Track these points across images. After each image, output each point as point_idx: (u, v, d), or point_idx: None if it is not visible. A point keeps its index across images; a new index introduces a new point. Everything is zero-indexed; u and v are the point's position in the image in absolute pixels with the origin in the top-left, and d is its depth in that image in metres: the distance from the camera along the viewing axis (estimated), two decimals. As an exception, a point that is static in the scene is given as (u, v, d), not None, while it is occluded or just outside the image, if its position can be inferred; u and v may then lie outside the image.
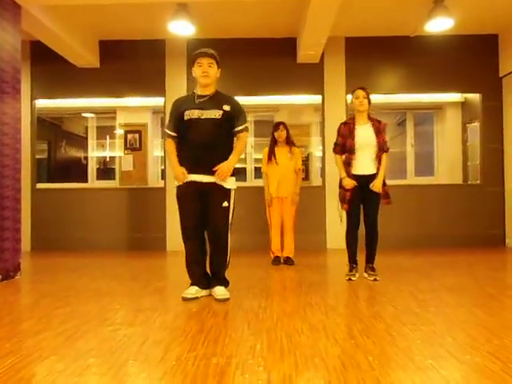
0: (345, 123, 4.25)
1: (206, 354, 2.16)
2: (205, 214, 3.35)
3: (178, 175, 3.31)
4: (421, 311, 2.97)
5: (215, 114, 3.29)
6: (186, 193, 3.35)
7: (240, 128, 3.39)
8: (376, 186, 4.07)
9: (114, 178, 7.45)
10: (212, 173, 3.27)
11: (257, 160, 7.03)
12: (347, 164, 4.15)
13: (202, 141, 3.24)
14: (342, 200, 4.11)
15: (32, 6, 4.93)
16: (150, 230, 6.75)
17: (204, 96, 3.35)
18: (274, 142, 5.25)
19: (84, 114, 7.85)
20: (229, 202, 3.34)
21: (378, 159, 4.11)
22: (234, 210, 3.41)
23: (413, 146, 7.47)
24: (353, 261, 4.19)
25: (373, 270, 4.15)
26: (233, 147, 3.40)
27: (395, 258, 5.78)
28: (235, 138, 3.43)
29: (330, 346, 2.26)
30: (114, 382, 1.88)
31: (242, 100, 7.24)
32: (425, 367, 1.96)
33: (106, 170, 8.11)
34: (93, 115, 7.71)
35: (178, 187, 3.39)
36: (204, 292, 3.43)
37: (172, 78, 6.80)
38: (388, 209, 6.87)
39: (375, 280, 4.03)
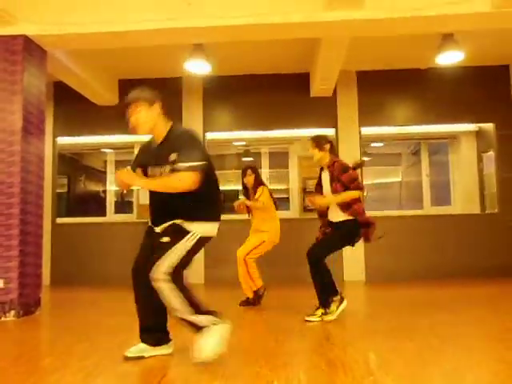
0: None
1: (223, 391, 2.16)
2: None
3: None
4: (440, 346, 2.92)
5: (165, 170, 2.67)
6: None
7: (180, 165, 2.56)
8: (310, 199, 3.86)
9: (131, 212, 7.58)
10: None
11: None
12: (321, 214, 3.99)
13: (158, 200, 2.76)
14: None
15: (56, 50, 5.18)
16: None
17: (158, 144, 2.79)
18: (245, 190, 4.78)
19: (103, 150, 8.08)
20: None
21: (345, 206, 3.73)
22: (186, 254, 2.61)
23: (428, 176, 7.47)
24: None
25: (317, 308, 3.79)
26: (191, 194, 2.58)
27: (412, 291, 5.70)
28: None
29: (349, 382, 2.24)
30: (134, 419, 1.90)
31: (257, 134, 7.54)
32: (445, 405, 1.94)
33: (123, 204, 8.25)
34: (111, 151, 7.92)
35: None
36: None
37: (189, 115, 6.98)
38: (404, 240, 6.85)
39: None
